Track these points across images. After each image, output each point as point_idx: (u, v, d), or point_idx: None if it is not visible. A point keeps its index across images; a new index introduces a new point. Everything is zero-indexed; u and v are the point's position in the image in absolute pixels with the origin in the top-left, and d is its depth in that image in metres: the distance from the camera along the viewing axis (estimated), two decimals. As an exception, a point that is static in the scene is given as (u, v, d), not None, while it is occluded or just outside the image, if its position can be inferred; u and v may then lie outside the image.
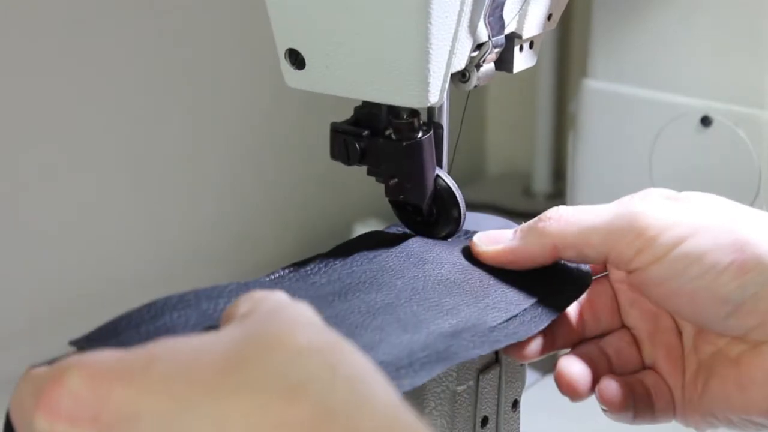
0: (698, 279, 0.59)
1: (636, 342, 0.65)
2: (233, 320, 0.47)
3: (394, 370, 0.53)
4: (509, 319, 0.61)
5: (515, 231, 0.64)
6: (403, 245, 0.67)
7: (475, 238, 0.65)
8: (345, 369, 0.43)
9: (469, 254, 0.66)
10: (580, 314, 0.65)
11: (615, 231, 0.60)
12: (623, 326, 0.66)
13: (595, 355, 0.64)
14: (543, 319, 0.62)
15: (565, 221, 0.62)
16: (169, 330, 0.53)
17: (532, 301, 0.63)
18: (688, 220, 0.59)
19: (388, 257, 0.65)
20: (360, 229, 1.21)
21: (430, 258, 0.66)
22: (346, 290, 0.61)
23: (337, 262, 0.64)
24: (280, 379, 0.43)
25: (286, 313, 0.46)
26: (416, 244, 0.67)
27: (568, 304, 0.64)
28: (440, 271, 0.64)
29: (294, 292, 0.57)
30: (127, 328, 0.54)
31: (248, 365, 0.43)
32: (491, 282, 0.64)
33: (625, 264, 0.61)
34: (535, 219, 0.63)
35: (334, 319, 0.56)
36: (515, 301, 0.63)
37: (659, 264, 0.59)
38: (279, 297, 0.48)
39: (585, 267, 0.66)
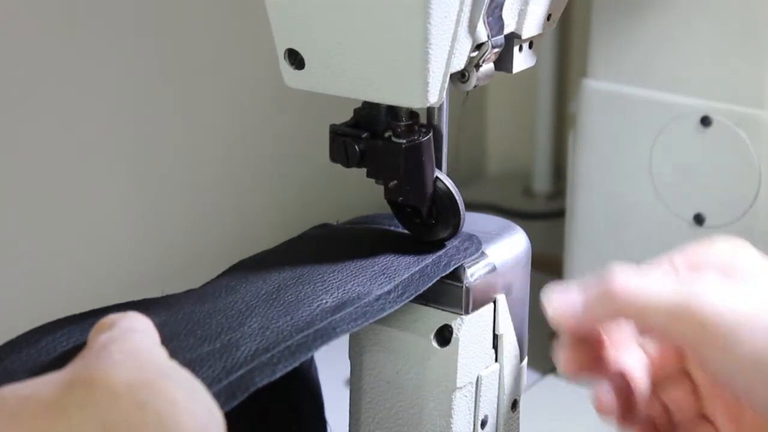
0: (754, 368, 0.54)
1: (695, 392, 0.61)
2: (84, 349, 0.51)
3: (267, 356, 0.56)
4: (398, 284, 0.63)
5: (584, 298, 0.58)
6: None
7: (545, 300, 0.59)
8: (155, 405, 0.46)
9: (373, 230, 0.69)
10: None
11: (675, 326, 0.55)
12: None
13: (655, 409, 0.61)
14: (432, 276, 0.64)
15: (632, 293, 0.56)
16: (50, 351, 0.56)
17: (422, 264, 0.65)
18: (750, 310, 0.55)
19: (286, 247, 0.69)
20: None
21: (325, 237, 0.69)
22: (235, 282, 0.64)
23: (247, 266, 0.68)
24: (97, 424, 0.46)
25: (115, 348, 0.49)
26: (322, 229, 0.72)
27: (457, 264, 0.65)
28: (333, 247, 0.67)
29: (183, 300, 0.62)
30: (11, 353, 0.56)
31: (68, 411, 0.46)
32: (381, 248, 0.66)
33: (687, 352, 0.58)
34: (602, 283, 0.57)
35: (218, 313, 0.60)
36: (405, 264, 0.65)
37: (721, 361, 0.55)
38: (120, 326, 0.51)
39: (477, 238, 0.68)
